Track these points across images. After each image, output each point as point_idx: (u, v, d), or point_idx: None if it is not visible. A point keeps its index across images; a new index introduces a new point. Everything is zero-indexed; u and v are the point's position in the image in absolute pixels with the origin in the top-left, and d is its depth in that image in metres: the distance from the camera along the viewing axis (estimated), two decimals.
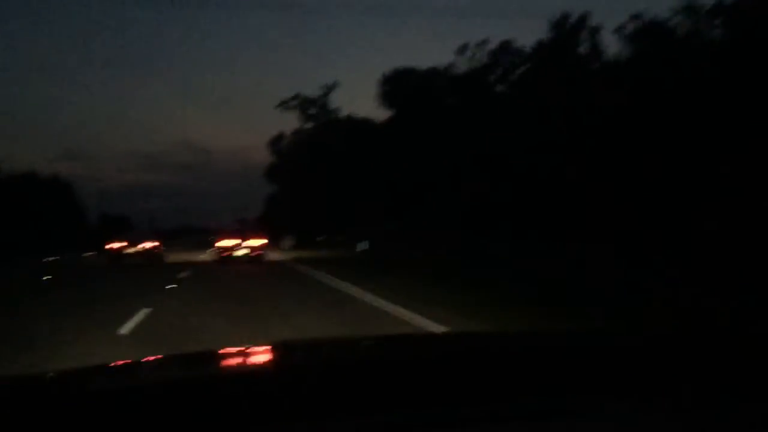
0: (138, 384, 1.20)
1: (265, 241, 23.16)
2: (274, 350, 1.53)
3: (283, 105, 55.45)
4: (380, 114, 51.52)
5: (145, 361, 1.49)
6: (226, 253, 22.45)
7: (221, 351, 1.54)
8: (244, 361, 1.45)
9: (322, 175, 47.89)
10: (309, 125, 55.80)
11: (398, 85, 40.14)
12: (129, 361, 1.52)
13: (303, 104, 54.65)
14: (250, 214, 72.72)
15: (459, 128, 29.67)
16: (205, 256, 28.20)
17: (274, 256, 26.35)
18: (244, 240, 22.91)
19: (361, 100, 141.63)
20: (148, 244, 25.58)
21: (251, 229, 25.69)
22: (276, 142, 71.29)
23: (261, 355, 1.50)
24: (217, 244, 23.42)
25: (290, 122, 75.50)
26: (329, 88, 54.65)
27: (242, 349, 1.54)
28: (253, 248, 22.61)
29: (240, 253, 22.44)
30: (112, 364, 1.44)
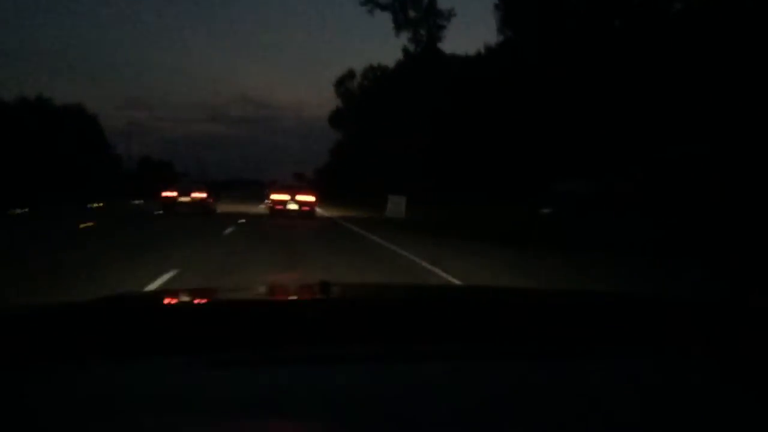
0: (193, 306, 1.46)
1: (314, 198, 25.06)
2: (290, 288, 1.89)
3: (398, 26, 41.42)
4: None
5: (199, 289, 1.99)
6: (279, 206, 24.47)
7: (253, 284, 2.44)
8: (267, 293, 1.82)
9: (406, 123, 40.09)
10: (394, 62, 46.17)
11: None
12: (186, 288, 2.10)
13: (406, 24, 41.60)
14: (307, 169, 70.01)
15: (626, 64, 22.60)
16: (259, 208, 30.57)
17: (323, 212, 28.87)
18: (296, 194, 24.68)
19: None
20: (198, 195, 26.58)
21: (305, 184, 27.48)
22: (343, 82, 64.48)
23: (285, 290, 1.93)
24: (270, 197, 25.58)
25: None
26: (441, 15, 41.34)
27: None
28: (303, 203, 24.45)
29: (292, 207, 24.33)
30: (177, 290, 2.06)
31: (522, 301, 1.66)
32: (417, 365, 1.04)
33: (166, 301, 1.51)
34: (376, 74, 57.87)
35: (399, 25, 42.79)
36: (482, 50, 40.53)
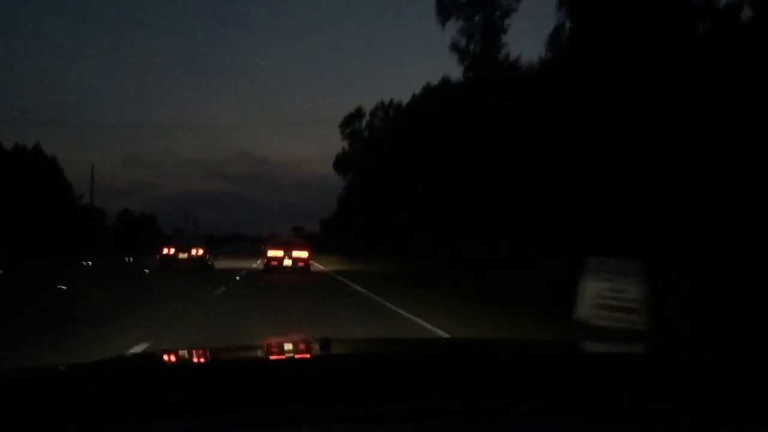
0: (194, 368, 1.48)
1: (308, 253, 26.52)
2: (287, 344, 1.84)
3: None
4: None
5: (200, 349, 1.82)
6: (274, 263, 25.81)
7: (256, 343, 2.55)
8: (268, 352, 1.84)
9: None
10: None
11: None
12: (185, 348, 2.24)
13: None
14: (307, 223, 67.29)
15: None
16: (256, 264, 31.91)
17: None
18: (292, 251, 26.03)
19: None
20: (196, 252, 27.57)
21: (301, 240, 28.53)
22: (350, 122, 58.55)
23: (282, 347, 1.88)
24: (268, 254, 26.91)
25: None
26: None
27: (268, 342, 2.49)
28: (298, 259, 25.87)
29: (287, 263, 25.68)
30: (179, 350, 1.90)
31: (528, 355, 1.67)
32: (424, 424, 1.07)
33: (166, 362, 1.55)
34: (387, 112, 54.16)
35: (446, 11, 33.31)
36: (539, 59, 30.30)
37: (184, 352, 1.81)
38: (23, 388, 1.23)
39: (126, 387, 1.18)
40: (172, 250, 27.32)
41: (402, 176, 39.86)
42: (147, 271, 25.33)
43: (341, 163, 59.28)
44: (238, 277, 21.50)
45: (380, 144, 47.68)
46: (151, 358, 1.73)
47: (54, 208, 48.91)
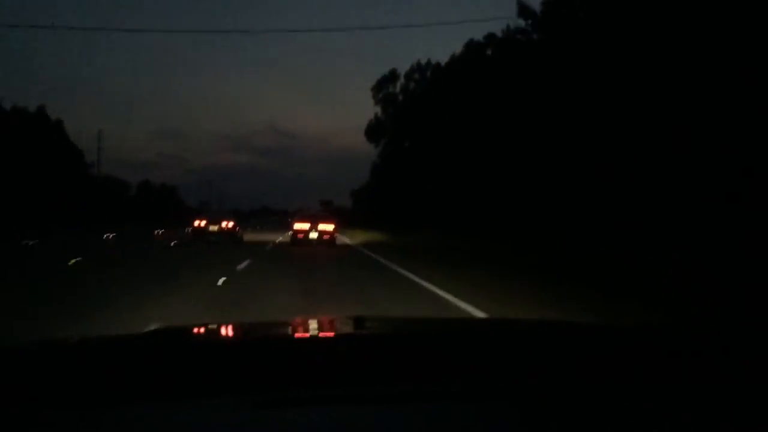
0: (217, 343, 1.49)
1: (334, 226, 27.15)
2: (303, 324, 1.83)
3: None
4: None
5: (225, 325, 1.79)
6: (300, 235, 26.70)
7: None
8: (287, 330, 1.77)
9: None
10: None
11: None
12: (215, 324, 1.82)
13: None
14: (334, 196, 66.34)
15: None
16: (283, 237, 33.14)
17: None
18: (317, 224, 26.74)
19: None
20: (226, 224, 28.69)
21: (327, 213, 29.43)
22: (384, 85, 53.72)
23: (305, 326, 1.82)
24: (294, 226, 27.86)
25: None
26: None
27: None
28: (324, 232, 26.59)
29: (313, 235, 26.45)
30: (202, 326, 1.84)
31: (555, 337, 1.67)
32: (458, 404, 1.08)
33: (203, 337, 1.58)
34: (424, 74, 49.84)
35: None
36: None
37: (206, 328, 1.79)
38: (65, 355, 1.25)
39: (146, 363, 1.20)
40: (203, 223, 28.75)
41: (438, 143, 37.44)
42: (173, 244, 25.82)
43: (373, 131, 55.04)
44: (268, 248, 24.33)
45: (416, 108, 43.93)
46: (176, 333, 1.69)
47: (66, 178, 47.85)
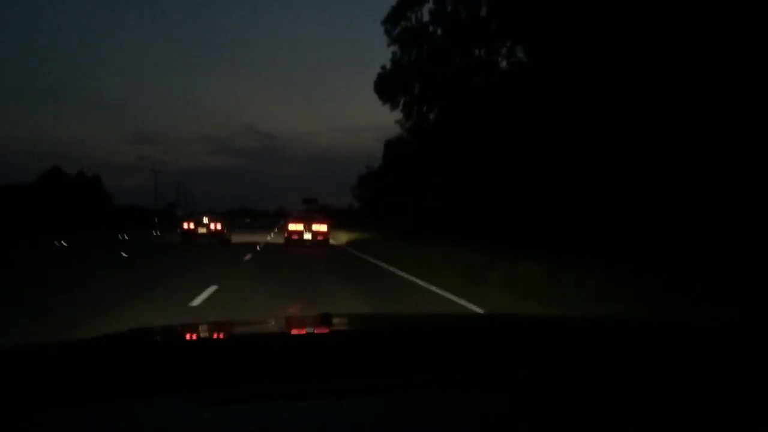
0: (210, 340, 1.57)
1: (327, 227, 27.62)
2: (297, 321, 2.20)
3: None
4: None
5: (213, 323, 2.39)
6: (294, 236, 27.07)
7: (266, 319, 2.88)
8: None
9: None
10: None
11: None
12: (198, 322, 3.08)
13: None
14: (321, 198, 67.63)
15: None
16: (270, 238, 34.12)
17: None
18: (311, 224, 27.16)
19: None
20: (215, 226, 29.73)
21: (319, 214, 29.98)
22: (403, 12, 33.31)
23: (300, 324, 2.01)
24: (288, 227, 28.17)
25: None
26: None
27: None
28: (318, 233, 27.03)
29: (306, 236, 26.90)
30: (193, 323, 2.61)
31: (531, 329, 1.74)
32: (418, 396, 1.10)
33: (171, 336, 1.62)
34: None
35: None
36: None
37: (177, 328, 1.79)
38: (63, 356, 1.26)
39: (133, 361, 1.21)
40: (192, 225, 29.49)
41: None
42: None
43: (385, 83, 36.97)
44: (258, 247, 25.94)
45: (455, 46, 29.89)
46: (161, 332, 1.73)
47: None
